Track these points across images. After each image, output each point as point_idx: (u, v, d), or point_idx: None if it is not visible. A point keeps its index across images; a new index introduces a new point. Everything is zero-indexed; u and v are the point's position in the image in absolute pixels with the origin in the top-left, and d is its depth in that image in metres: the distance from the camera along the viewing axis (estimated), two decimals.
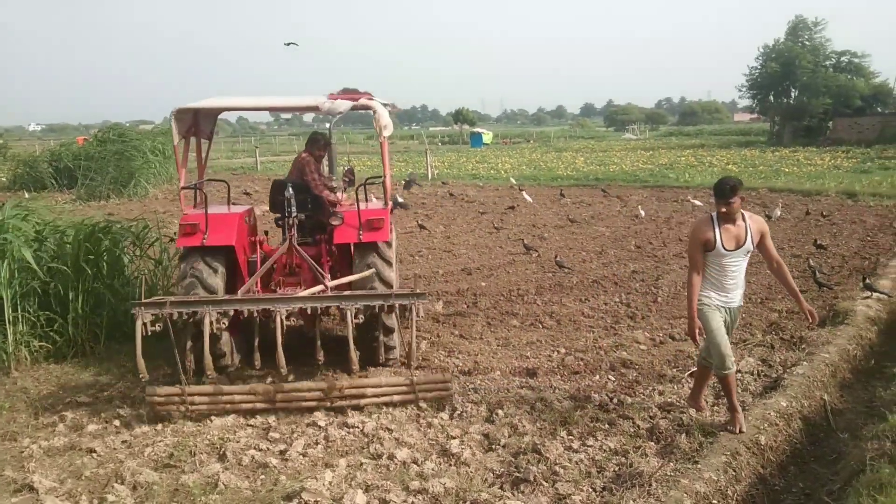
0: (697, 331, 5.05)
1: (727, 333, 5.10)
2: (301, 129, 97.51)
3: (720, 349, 4.99)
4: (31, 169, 26.51)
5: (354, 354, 5.50)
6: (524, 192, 20.05)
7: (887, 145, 37.23)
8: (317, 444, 5.07)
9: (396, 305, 5.52)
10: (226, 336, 6.07)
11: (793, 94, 49.10)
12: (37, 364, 6.79)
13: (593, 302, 8.79)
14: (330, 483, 4.42)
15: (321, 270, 6.37)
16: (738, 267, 5.04)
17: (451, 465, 4.69)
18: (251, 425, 5.41)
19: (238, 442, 5.07)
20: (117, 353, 7.03)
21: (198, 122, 6.98)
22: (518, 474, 4.50)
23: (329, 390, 5.49)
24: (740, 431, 4.93)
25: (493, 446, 4.96)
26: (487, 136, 64.26)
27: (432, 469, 4.60)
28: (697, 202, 17.55)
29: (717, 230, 4.95)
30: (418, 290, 5.66)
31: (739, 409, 5.09)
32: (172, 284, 6.79)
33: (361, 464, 4.68)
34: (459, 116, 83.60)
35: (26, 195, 22.11)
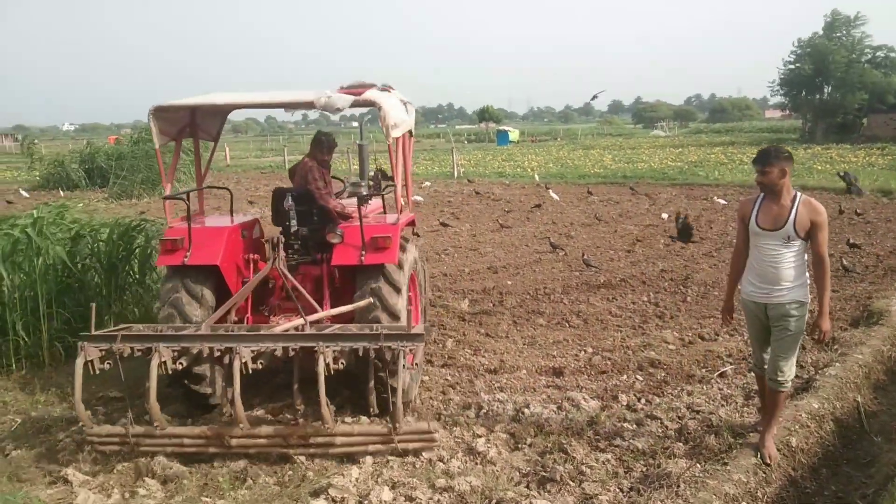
0: (726, 315, 4.92)
1: (770, 339, 4.59)
2: (328, 128, 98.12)
3: (753, 350, 4.83)
4: (62, 168, 27.03)
5: (328, 410, 4.54)
6: (551, 191, 19.97)
7: None
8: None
9: (384, 349, 4.53)
10: (207, 368, 5.31)
11: (826, 91, 48.18)
12: (71, 360, 6.93)
13: (621, 301, 8.73)
14: (356, 479, 4.45)
15: (310, 298, 5.37)
16: (776, 253, 4.43)
17: (476, 463, 4.69)
18: (279, 421, 5.46)
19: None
20: None
21: (195, 122, 6.19)
22: (544, 473, 4.49)
23: (289, 437, 4.71)
24: (767, 462, 4.51)
25: (520, 445, 4.95)
26: (514, 134, 64.10)
27: (458, 467, 4.61)
28: (722, 201, 17.30)
29: (757, 204, 4.53)
30: (416, 329, 4.70)
31: (772, 431, 4.66)
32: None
33: (388, 461, 4.70)
34: (485, 114, 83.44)
35: (61, 194, 22.58)
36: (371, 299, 5.24)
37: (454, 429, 5.24)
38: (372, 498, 4.19)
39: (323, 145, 6.26)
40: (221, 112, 6.53)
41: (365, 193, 6.25)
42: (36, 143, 38.14)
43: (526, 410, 5.45)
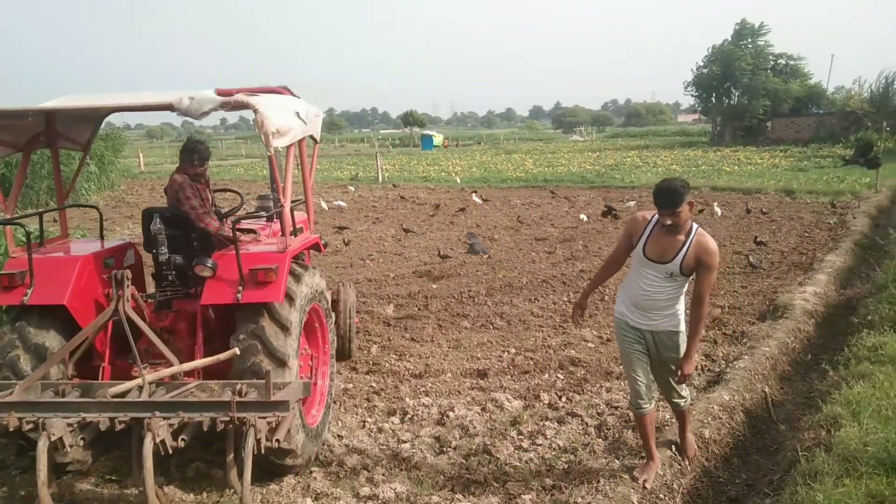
0: (577, 312, 4.66)
1: (655, 365, 4.37)
2: (249, 133, 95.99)
3: (629, 381, 4.42)
4: None
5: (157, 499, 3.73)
6: (474, 195, 20.16)
7: (822, 144, 38.75)
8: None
9: (237, 420, 3.73)
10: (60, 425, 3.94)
11: (734, 96, 50.58)
12: None
13: (542, 301, 8.88)
14: (279, 492, 4.35)
15: (163, 347, 4.36)
16: (655, 285, 4.13)
17: (401, 469, 4.67)
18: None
19: (181, 454, 4.91)
20: None
21: (54, 130, 5.12)
22: (469, 476, 4.51)
23: None
24: (644, 486, 4.30)
25: (445, 449, 4.96)
26: (438, 139, 64.38)
27: (383, 475, 4.57)
28: (632, 203, 17.84)
29: (648, 229, 4.15)
30: (279, 396, 3.85)
31: (655, 456, 4.45)
32: None
33: (311, 472, 4.62)
34: (409, 119, 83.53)
35: None
36: (236, 350, 4.26)
37: (379, 436, 5.20)
38: None
39: (194, 156, 5.25)
40: (93, 117, 5.44)
41: (273, 209, 5.33)
42: None
43: (451, 413, 5.46)
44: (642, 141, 58.50)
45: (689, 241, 4.03)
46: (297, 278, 4.62)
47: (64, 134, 5.27)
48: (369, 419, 5.52)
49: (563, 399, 5.76)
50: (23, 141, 4.95)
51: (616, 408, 5.51)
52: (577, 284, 9.66)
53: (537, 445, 4.93)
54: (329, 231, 14.86)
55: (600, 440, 5.01)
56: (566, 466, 4.63)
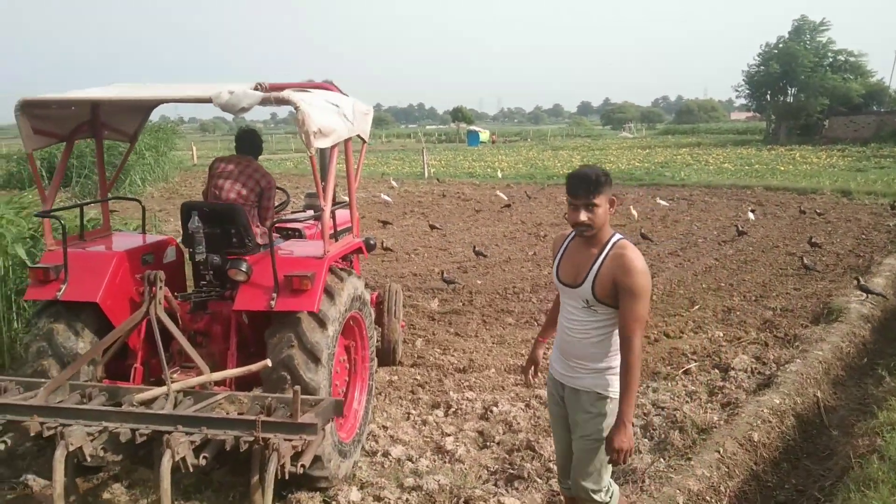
0: (529, 369, 3.77)
1: (568, 433, 3.34)
2: (295, 128, 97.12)
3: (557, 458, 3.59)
4: (22, 167, 26.36)
5: None
6: (497, 190, 20.41)
7: (883, 144, 37.39)
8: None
9: (261, 441, 3.43)
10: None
11: (790, 93, 49.20)
12: None
13: None
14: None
15: (192, 353, 4.14)
16: (575, 320, 3.17)
17: (445, 461, 4.71)
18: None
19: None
20: None
21: (98, 120, 4.98)
22: (512, 471, 4.53)
23: None
24: None
25: (488, 443, 4.98)
26: (484, 135, 64.26)
27: (427, 466, 4.62)
28: (663, 202, 17.41)
29: (564, 245, 3.28)
30: (307, 417, 3.53)
31: None
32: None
33: (356, 461, 4.69)
34: (458, 114, 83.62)
35: (23, 193, 22.06)
36: (268, 361, 4.05)
37: (423, 428, 5.25)
38: (340, 499, 4.18)
39: (253, 146, 5.15)
40: (142, 108, 5.32)
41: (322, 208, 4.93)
42: None
43: (494, 409, 5.48)
44: (693, 138, 57.36)
45: (603, 254, 3.05)
46: (334, 288, 4.35)
47: (109, 124, 5.17)
48: (413, 411, 5.57)
49: None
50: (67, 131, 4.84)
51: (662, 408, 5.45)
52: None
53: None
54: (374, 226, 15.00)
55: (646, 440, 4.97)
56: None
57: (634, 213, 15.31)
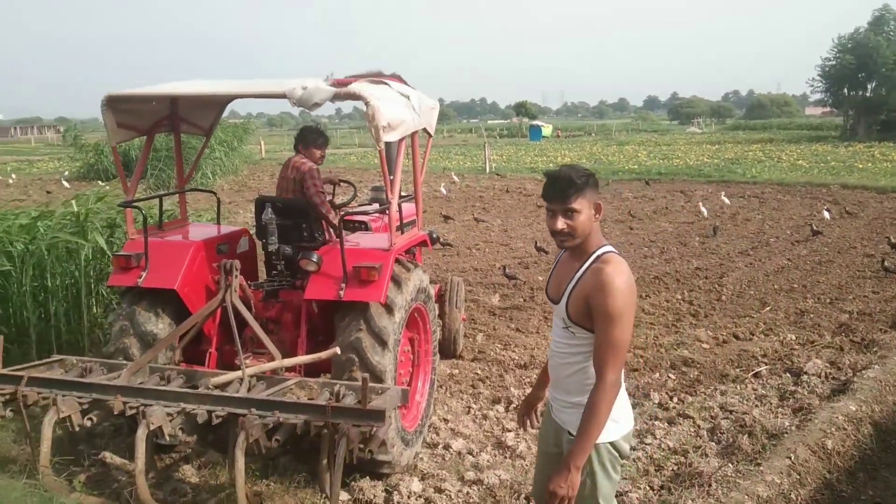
0: (523, 412, 3.26)
1: (547, 471, 2.67)
2: (363, 122, 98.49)
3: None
4: (101, 159, 27.47)
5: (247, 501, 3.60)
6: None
7: None
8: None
9: (330, 426, 3.53)
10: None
11: (869, 88, 46.97)
12: None
13: (654, 298, 8.64)
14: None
15: (266, 340, 4.29)
16: (557, 341, 2.77)
17: (506, 457, 4.70)
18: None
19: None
20: None
21: (177, 114, 5.23)
22: None
23: None
24: None
25: None
26: (547, 129, 63.68)
27: (487, 461, 4.62)
28: (726, 200, 16.67)
29: (558, 258, 2.92)
30: (375, 404, 3.57)
31: None
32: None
33: (417, 453, 4.73)
34: (521, 109, 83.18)
35: (100, 184, 23.06)
36: (337, 349, 4.20)
37: (483, 422, 5.26)
38: (402, 489, 4.22)
39: (317, 142, 5.26)
40: (218, 103, 5.50)
41: (389, 201, 4.95)
42: (76, 133, 38.82)
43: None
44: (766, 134, 55.44)
45: (583, 267, 2.62)
46: (401, 278, 4.45)
47: (187, 119, 5.38)
48: (474, 405, 5.58)
49: (675, 399, 5.61)
50: (148, 125, 5.07)
51: (731, 412, 5.30)
52: (691, 282, 9.34)
53: (645, 444, 4.83)
54: (436, 220, 15.07)
55: (713, 444, 4.84)
56: (675, 468, 4.51)
57: (704, 210, 14.90)
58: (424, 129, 5.11)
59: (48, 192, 21.52)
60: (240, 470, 3.48)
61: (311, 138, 5.28)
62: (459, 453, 4.75)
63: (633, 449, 4.73)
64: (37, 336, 6.71)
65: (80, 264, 6.96)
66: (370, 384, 3.66)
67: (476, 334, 7.34)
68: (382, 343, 4.20)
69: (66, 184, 24.38)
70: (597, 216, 2.61)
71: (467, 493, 4.22)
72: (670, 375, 6.15)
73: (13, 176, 28.42)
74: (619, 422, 2.65)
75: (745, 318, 7.74)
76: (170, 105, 5.13)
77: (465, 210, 16.91)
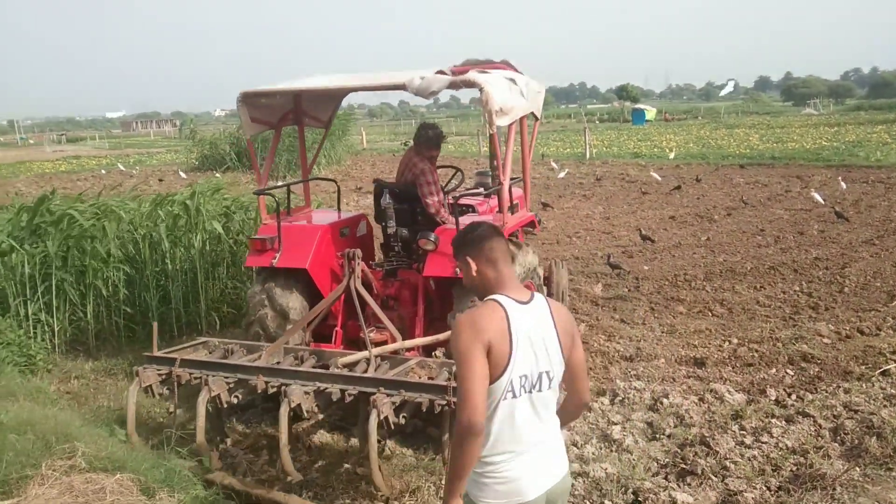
0: None
1: None
2: (459, 112, 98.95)
3: None
4: (215, 151, 28.87)
5: (382, 480, 3.84)
6: (652, 171, 19.47)
7: None
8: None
9: (452, 404, 3.73)
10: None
11: None
12: (225, 328, 7.44)
13: (770, 290, 8.19)
14: None
15: (386, 321, 4.71)
16: None
17: (612, 450, 4.59)
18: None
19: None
20: None
21: (300, 108, 5.70)
22: (684, 466, 4.32)
23: None
24: None
25: (658, 435, 4.78)
26: (651, 113, 61.54)
27: (593, 453, 4.53)
28: (844, 185, 15.13)
29: None
30: None
31: None
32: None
33: None
34: (622, 92, 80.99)
35: (215, 174, 24.27)
36: (449, 333, 4.35)
37: (588, 414, 5.15)
38: None
39: (431, 141, 5.53)
40: (335, 97, 5.92)
41: (491, 186, 5.38)
42: (192, 127, 40.96)
43: (665, 400, 5.25)
44: (892, 114, 51.39)
45: None
46: (514, 252, 4.67)
47: (309, 112, 5.80)
48: None
49: (793, 396, 5.30)
50: (275, 119, 5.50)
51: (856, 411, 4.95)
52: (810, 273, 8.80)
53: (762, 443, 4.58)
54: (535, 208, 14.90)
55: (836, 444, 4.54)
56: (794, 469, 4.26)
57: (817, 196, 13.95)
58: (532, 113, 5.28)
59: (160, 181, 22.92)
60: (373, 445, 3.72)
61: (427, 136, 5.52)
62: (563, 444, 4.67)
63: (747, 447, 4.51)
64: (158, 318, 7.15)
65: (197, 250, 7.35)
66: None
67: (578, 324, 7.21)
68: None
69: (182, 174, 25.78)
70: (474, 275, 2.51)
71: (572, 484, 4.14)
72: (788, 371, 5.82)
73: (136, 168, 30.38)
74: (483, 487, 2.40)
75: (871, 312, 7.21)
76: (293, 100, 5.58)
77: (564, 197, 16.63)
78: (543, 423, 2.45)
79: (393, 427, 3.85)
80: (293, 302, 5.05)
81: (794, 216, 12.91)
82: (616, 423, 4.95)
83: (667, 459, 4.45)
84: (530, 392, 2.38)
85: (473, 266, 2.49)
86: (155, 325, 4.63)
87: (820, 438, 4.64)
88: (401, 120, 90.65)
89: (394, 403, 3.81)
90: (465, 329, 2.33)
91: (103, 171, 29.22)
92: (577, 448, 4.61)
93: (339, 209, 5.98)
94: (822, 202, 13.74)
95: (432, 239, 4.76)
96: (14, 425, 4.08)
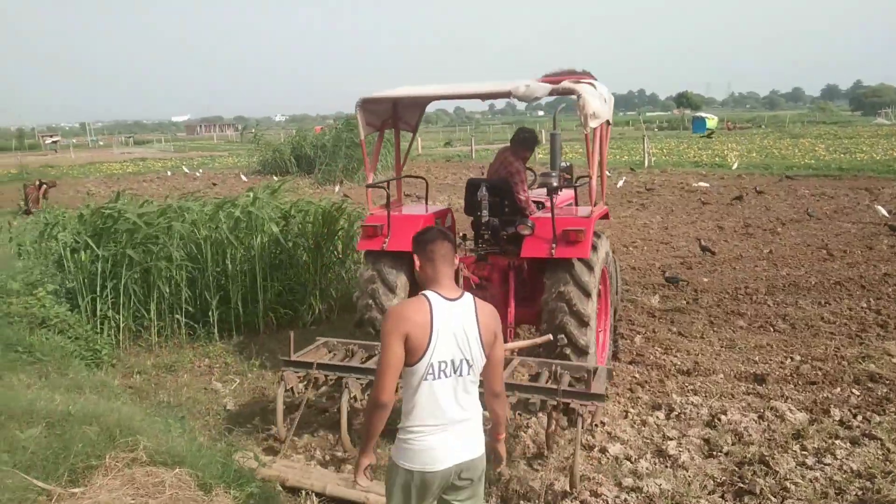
0: None
1: None
2: (514, 118, 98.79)
3: None
4: (276, 155, 29.50)
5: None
6: (701, 182, 19.20)
7: None
8: (528, 428, 5.09)
9: (561, 405, 4.28)
10: None
11: None
12: (282, 328, 7.58)
13: (835, 306, 7.90)
14: (542, 467, 4.44)
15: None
16: None
17: (666, 466, 4.49)
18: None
19: None
20: (348, 322, 7.57)
21: (397, 113, 6.43)
22: (742, 485, 4.19)
23: None
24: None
25: (715, 452, 4.66)
26: (711, 121, 60.09)
27: (647, 468, 4.44)
28: (883, 210, 13.89)
29: None
30: (597, 386, 4.35)
31: None
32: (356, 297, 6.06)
33: (570, 455, 4.64)
34: (683, 100, 79.49)
35: (274, 178, 24.80)
36: (550, 336, 5.12)
37: (642, 429, 5.06)
38: (556, 488, 4.16)
39: (526, 143, 6.24)
40: (421, 104, 6.64)
41: (556, 185, 5.92)
42: (253, 131, 41.91)
43: (722, 417, 5.11)
44: None
45: None
46: (596, 242, 5.41)
47: (403, 118, 6.53)
48: (632, 410, 5.39)
49: (859, 418, 5.08)
50: (379, 122, 6.21)
51: None
52: (879, 290, 8.45)
53: (825, 465, 4.41)
54: None
55: None
56: (860, 493, 4.09)
57: (882, 210, 13.39)
58: (607, 120, 5.98)
59: (213, 185, 23.54)
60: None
61: (523, 139, 6.25)
62: (616, 458, 4.60)
63: (809, 468, 4.35)
64: (217, 318, 7.34)
65: (257, 252, 7.51)
66: (579, 364, 4.77)
67: (634, 336, 7.09)
68: (587, 293, 5.17)
69: (243, 177, 26.44)
70: (418, 269, 2.86)
71: (625, 499, 4.08)
72: (853, 391, 5.59)
73: (200, 170, 31.29)
74: (402, 451, 2.78)
75: None
76: (391, 107, 6.28)
77: (622, 206, 16.39)
78: (464, 405, 2.78)
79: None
80: (400, 280, 5.75)
81: (862, 230, 12.42)
82: (672, 439, 4.84)
83: (724, 478, 4.33)
84: (452, 376, 2.73)
85: (417, 263, 2.86)
86: (291, 333, 5.13)
87: (888, 463, 4.44)
88: (456, 126, 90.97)
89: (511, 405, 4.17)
90: (389, 319, 2.72)
91: (168, 173, 30.24)
92: (631, 462, 4.53)
93: (426, 202, 6.74)
94: (886, 215, 13.18)
95: (529, 225, 5.46)
96: (81, 417, 4.24)
